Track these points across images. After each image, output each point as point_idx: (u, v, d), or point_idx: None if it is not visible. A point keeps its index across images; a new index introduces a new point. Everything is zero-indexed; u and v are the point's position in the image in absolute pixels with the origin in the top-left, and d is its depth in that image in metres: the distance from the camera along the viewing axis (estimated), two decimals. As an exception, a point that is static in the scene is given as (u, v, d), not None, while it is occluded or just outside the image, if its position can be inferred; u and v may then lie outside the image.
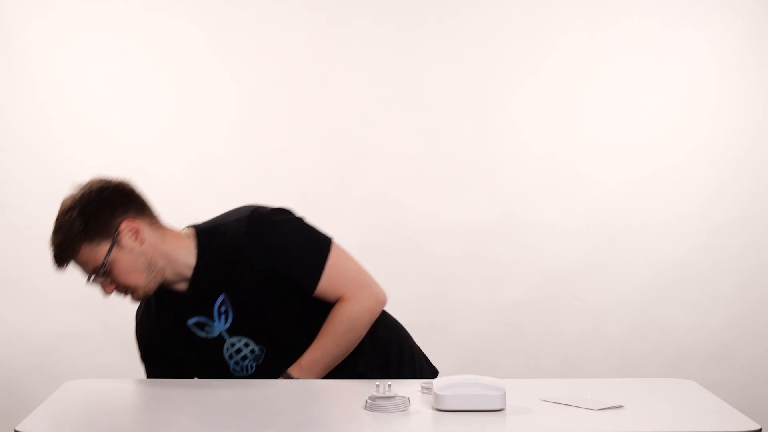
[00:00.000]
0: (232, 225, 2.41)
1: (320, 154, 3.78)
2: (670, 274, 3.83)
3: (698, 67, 3.80)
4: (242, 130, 3.80)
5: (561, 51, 3.81)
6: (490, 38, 3.82)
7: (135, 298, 2.40)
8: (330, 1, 3.80)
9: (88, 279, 2.36)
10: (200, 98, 3.78)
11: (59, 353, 3.76)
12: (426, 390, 2.09)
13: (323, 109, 3.81)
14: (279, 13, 3.78)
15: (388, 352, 2.50)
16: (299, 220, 2.45)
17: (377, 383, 2.00)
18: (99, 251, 2.32)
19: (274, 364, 2.40)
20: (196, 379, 2.46)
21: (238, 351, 2.41)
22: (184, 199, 3.78)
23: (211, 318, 2.40)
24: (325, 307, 2.41)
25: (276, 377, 2.39)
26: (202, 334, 2.41)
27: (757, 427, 1.87)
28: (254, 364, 2.41)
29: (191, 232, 2.44)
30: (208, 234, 2.43)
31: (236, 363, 2.41)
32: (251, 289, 2.38)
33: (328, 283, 2.39)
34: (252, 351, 2.40)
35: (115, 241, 2.32)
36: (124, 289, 2.37)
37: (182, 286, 2.41)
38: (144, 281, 2.36)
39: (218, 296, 2.39)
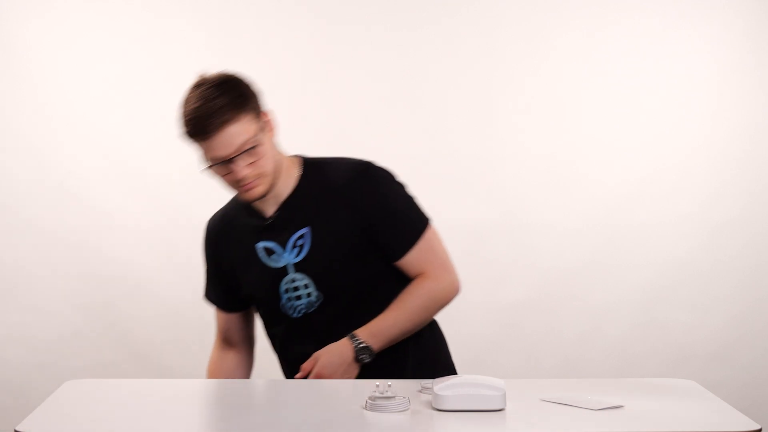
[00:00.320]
0: (344, 166, 2.40)
1: (321, 154, 3.78)
2: (670, 274, 3.84)
3: (698, 67, 3.80)
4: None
5: (561, 51, 3.82)
6: (490, 38, 3.82)
7: (257, 191, 2.31)
8: (330, 1, 3.81)
9: (223, 159, 2.25)
10: (200, 98, 3.78)
11: (59, 353, 3.76)
12: (426, 390, 2.09)
13: (323, 109, 3.81)
14: (279, 13, 3.78)
15: (434, 360, 2.51)
16: (408, 189, 2.45)
17: (377, 383, 2.00)
18: (249, 126, 2.27)
19: (321, 319, 2.38)
20: (195, 380, 2.45)
21: (296, 289, 2.38)
22: (184, 198, 3.79)
23: (283, 247, 2.38)
24: (395, 286, 2.40)
25: (320, 333, 2.37)
26: (266, 260, 2.39)
27: (757, 427, 1.87)
28: (304, 310, 2.39)
29: (297, 160, 2.42)
30: (314, 166, 2.42)
31: (289, 299, 2.39)
32: (338, 233, 2.36)
33: (416, 255, 2.39)
34: (309, 294, 2.38)
35: (262, 123, 2.30)
36: (256, 175, 2.28)
37: (267, 208, 2.39)
38: (272, 173, 2.32)
39: (301, 228, 2.36)
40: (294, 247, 2.37)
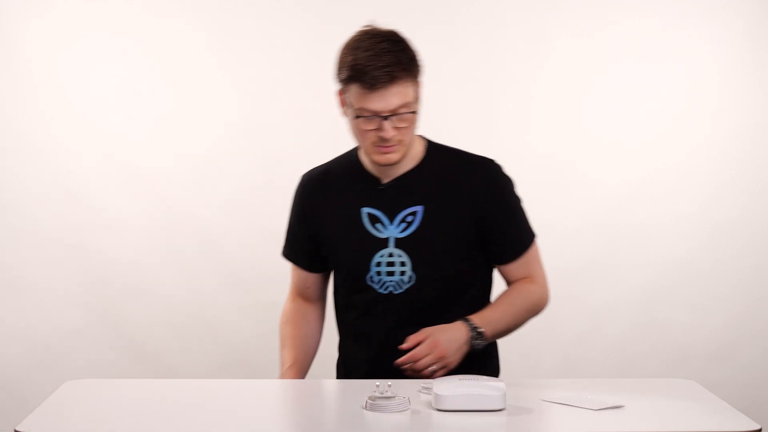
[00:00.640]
0: (470, 157, 2.41)
1: (321, 154, 3.77)
2: (670, 274, 3.84)
3: (698, 67, 3.80)
4: (242, 130, 3.80)
5: (561, 51, 3.81)
6: (490, 38, 3.82)
7: (393, 157, 2.29)
8: (330, 2, 3.80)
9: (379, 114, 2.23)
10: (200, 98, 3.79)
11: (59, 352, 3.76)
12: (426, 390, 2.09)
13: (323, 109, 3.80)
14: (279, 13, 3.78)
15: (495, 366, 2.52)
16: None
17: (377, 383, 2.00)
18: (411, 90, 2.26)
19: (406, 300, 2.35)
20: (195, 380, 2.45)
21: (390, 264, 2.35)
22: (184, 198, 3.79)
23: (391, 219, 2.36)
24: (481, 289, 2.42)
25: (400, 314, 2.35)
26: (369, 226, 2.36)
27: (757, 427, 1.87)
28: (391, 288, 2.36)
29: (422, 139, 2.42)
30: (439, 149, 2.42)
31: (378, 273, 2.36)
32: (451, 220, 2.34)
33: (523, 262, 2.41)
34: (403, 273, 2.35)
35: (418, 93, 2.29)
36: (398, 140, 2.27)
37: (382, 175, 2.37)
38: (409, 144, 2.32)
39: (414, 205, 2.35)
40: (402, 222, 2.35)
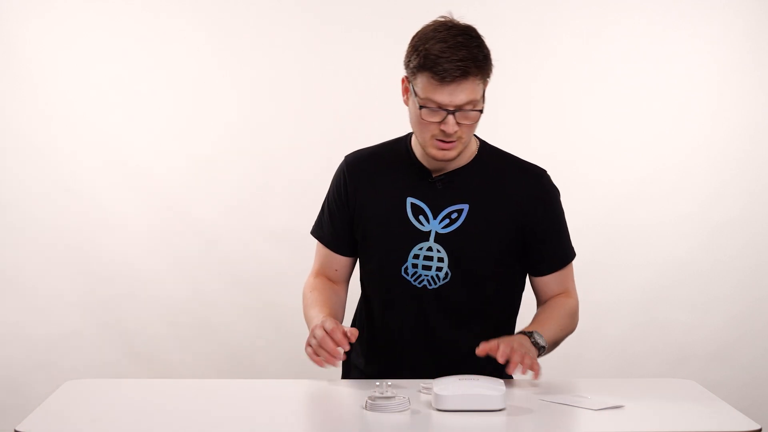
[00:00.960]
0: (522, 164, 2.40)
1: (321, 154, 3.79)
2: (670, 274, 3.84)
3: (698, 67, 3.80)
4: (242, 130, 3.80)
5: (561, 51, 3.81)
6: (490, 38, 3.78)
7: (451, 153, 2.26)
8: (330, 3, 3.80)
9: (447, 107, 2.20)
10: (200, 98, 3.79)
11: (59, 353, 3.76)
12: (426, 390, 2.09)
13: (324, 109, 3.81)
14: (279, 13, 3.78)
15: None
16: None
17: (377, 383, 2.00)
18: (480, 89, 2.24)
19: (440, 297, 2.32)
20: (195, 380, 2.45)
21: (428, 258, 2.32)
22: (185, 198, 3.79)
23: (435, 213, 2.33)
24: (513, 299, 2.41)
25: (430, 311, 2.32)
26: (411, 217, 2.33)
27: (757, 427, 1.87)
28: (425, 283, 2.33)
29: (475, 139, 2.40)
30: (492, 151, 2.41)
31: (414, 266, 2.32)
32: (496, 223, 2.32)
33: (561, 277, 2.41)
34: (439, 269, 2.32)
35: (485, 93, 2.27)
36: (459, 137, 2.24)
37: (433, 168, 2.33)
38: (467, 144, 2.30)
39: (461, 203, 2.33)
40: (445, 217, 2.33)
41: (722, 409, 2.00)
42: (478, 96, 2.23)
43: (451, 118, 2.20)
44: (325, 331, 2.18)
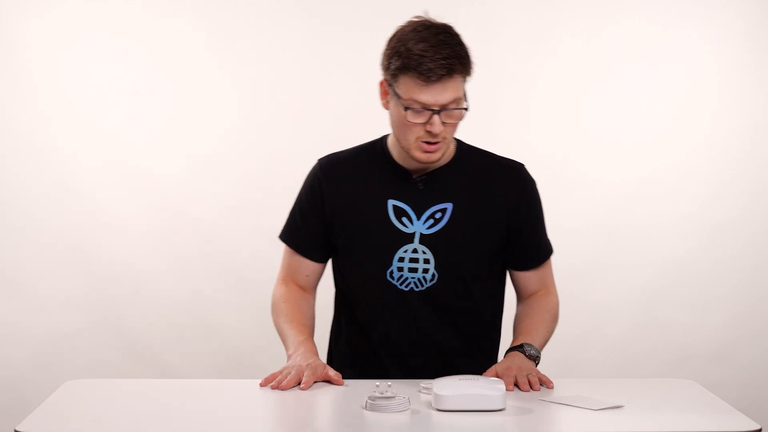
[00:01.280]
0: (501, 160, 2.38)
1: (321, 154, 3.78)
2: (670, 274, 3.84)
3: (698, 67, 3.80)
4: (242, 130, 3.80)
5: (561, 51, 3.81)
6: (491, 38, 3.82)
7: (435, 156, 2.22)
8: (331, 3, 3.80)
9: (432, 107, 2.16)
10: (200, 98, 3.79)
11: (59, 353, 3.76)
12: (426, 390, 2.09)
13: (324, 109, 3.81)
14: (279, 14, 3.78)
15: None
16: None
17: (377, 383, 2.00)
18: (462, 87, 2.19)
19: (427, 299, 2.30)
20: (195, 380, 2.45)
21: (414, 260, 2.29)
22: (185, 198, 3.79)
23: (418, 214, 2.30)
24: (497, 299, 2.39)
25: (417, 314, 2.29)
26: (394, 219, 2.29)
27: (757, 427, 1.87)
28: (412, 285, 2.29)
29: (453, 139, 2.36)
30: (470, 149, 2.38)
31: (399, 269, 2.29)
32: (481, 221, 2.30)
33: (542, 272, 2.41)
34: (426, 270, 2.29)
35: (465, 91, 2.22)
36: (443, 137, 2.20)
37: (412, 169, 2.30)
38: (449, 143, 2.27)
39: (444, 202, 2.30)
40: (429, 218, 2.30)
41: (722, 409, 2.00)
42: (462, 94, 2.19)
43: (436, 118, 2.17)
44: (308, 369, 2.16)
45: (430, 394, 2.04)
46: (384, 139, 2.38)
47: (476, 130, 3.79)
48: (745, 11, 3.78)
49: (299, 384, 2.13)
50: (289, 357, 2.26)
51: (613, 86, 3.81)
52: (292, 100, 3.80)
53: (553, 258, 3.83)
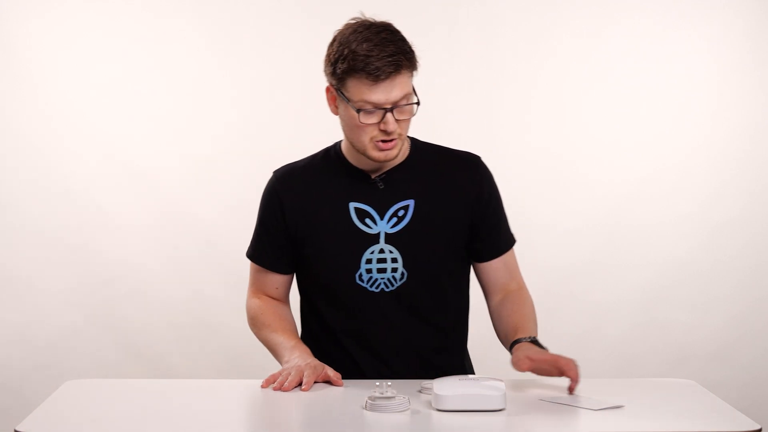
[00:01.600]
0: (456, 153, 2.37)
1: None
2: (670, 274, 3.84)
3: (698, 67, 3.80)
4: (242, 130, 3.80)
5: (561, 51, 3.81)
6: (491, 38, 3.82)
7: (392, 153, 2.22)
8: (331, 4, 3.80)
9: (383, 106, 2.15)
10: (200, 98, 3.79)
11: (59, 353, 3.76)
12: (426, 390, 2.09)
13: (324, 109, 3.79)
14: (279, 14, 3.78)
15: (466, 358, 2.48)
16: None
17: (377, 383, 2.00)
18: (410, 82, 2.19)
19: (398, 298, 2.28)
20: (195, 380, 2.45)
21: (381, 261, 2.27)
22: (185, 198, 3.79)
23: (381, 214, 2.29)
24: (464, 293, 2.38)
25: (391, 314, 2.28)
26: (357, 222, 2.28)
27: (757, 427, 1.87)
28: (383, 286, 2.28)
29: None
30: (425, 144, 2.37)
31: (368, 271, 2.27)
32: (443, 215, 2.29)
33: (508, 262, 2.37)
34: (394, 270, 2.27)
35: (413, 85, 2.21)
36: (398, 134, 2.20)
37: (370, 170, 2.29)
38: (404, 140, 2.26)
39: (406, 199, 2.29)
40: (393, 216, 2.29)
41: (722, 409, 2.00)
42: (411, 89, 2.19)
43: (389, 115, 2.16)
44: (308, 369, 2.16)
45: (430, 394, 2.04)
46: (338, 144, 2.37)
47: (476, 130, 3.83)
48: (745, 11, 3.78)
49: (300, 384, 2.14)
50: (284, 363, 2.25)
51: (613, 86, 3.81)
52: (292, 100, 3.80)
53: (554, 258, 3.86)
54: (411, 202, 2.29)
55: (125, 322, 3.80)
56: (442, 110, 3.81)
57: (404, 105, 2.18)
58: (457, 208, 2.31)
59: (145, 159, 3.76)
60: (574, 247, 3.82)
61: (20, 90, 3.73)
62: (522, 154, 3.83)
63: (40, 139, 3.74)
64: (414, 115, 2.22)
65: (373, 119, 2.18)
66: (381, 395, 1.96)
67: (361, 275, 2.28)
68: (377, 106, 2.16)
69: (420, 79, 3.77)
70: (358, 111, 2.17)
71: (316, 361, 2.21)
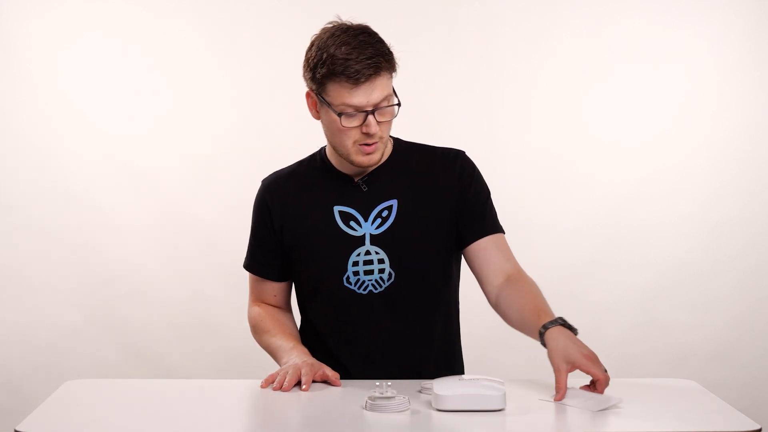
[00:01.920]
0: (438, 149, 2.36)
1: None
2: (670, 274, 3.84)
3: (698, 67, 3.81)
4: (242, 130, 3.81)
5: (561, 51, 3.82)
6: (491, 38, 3.82)
7: (375, 156, 2.22)
8: (331, 4, 3.80)
9: (364, 109, 2.15)
10: (200, 98, 3.79)
11: (59, 353, 3.76)
12: (426, 390, 2.09)
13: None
14: (279, 13, 3.78)
15: (457, 357, 2.46)
16: None
17: (377, 383, 2.00)
18: (390, 83, 2.18)
19: (388, 299, 2.28)
20: (195, 380, 2.45)
21: (368, 262, 2.28)
22: (185, 198, 3.79)
23: (365, 216, 2.29)
24: (455, 291, 2.37)
25: (381, 315, 2.27)
26: (341, 225, 2.29)
27: (757, 427, 1.87)
28: (371, 288, 2.28)
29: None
30: (406, 144, 2.37)
31: (355, 273, 2.27)
32: (427, 213, 2.29)
33: (500, 243, 2.33)
34: (381, 271, 2.27)
35: (393, 87, 2.21)
36: (380, 137, 2.20)
37: (352, 173, 2.30)
38: (386, 142, 2.26)
39: (389, 200, 2.29)
40: (377, 217, 2.29)
41: (722, 409, 2.00)
42: (391, 90, 2.19)
43: (371, 118, 2.17)
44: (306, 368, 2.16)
45: (430, 394, 2.04)
46: (323, 149, 2.39)
47: (476, 130, 3.83)
48: (745, 11, 3.78)
49: (299, 384, 2.14)
50: (283, 364, 2.25)
51: (613, 86, 3.81)
52: (292, 100, 3.78)
53: (554, 258, 3.86)
54: (394, 202, 2.29)
55: (125, 322, 3.80)
56: (442, 110, 3.81)
57: (385, 107, 2.18)
58: (440, 204, 2.31)
59: (145, 159, 3.77)
60: (574, 247, 3.83)
61: (20, 90, 3.73)
62: (522, 154, 3.83)
63: (40, 139, 3.74)
64: (395, 116, 2.22)
65: (355, 122, 2.18)
66: (381, 395, 1.96)
67: (348, 278, 2.29)
68: (358, 109, 2.17)
69: (420, 79, 3.79)
70: (340, 115, 2.18)
71: (314, 360, 2.22)
